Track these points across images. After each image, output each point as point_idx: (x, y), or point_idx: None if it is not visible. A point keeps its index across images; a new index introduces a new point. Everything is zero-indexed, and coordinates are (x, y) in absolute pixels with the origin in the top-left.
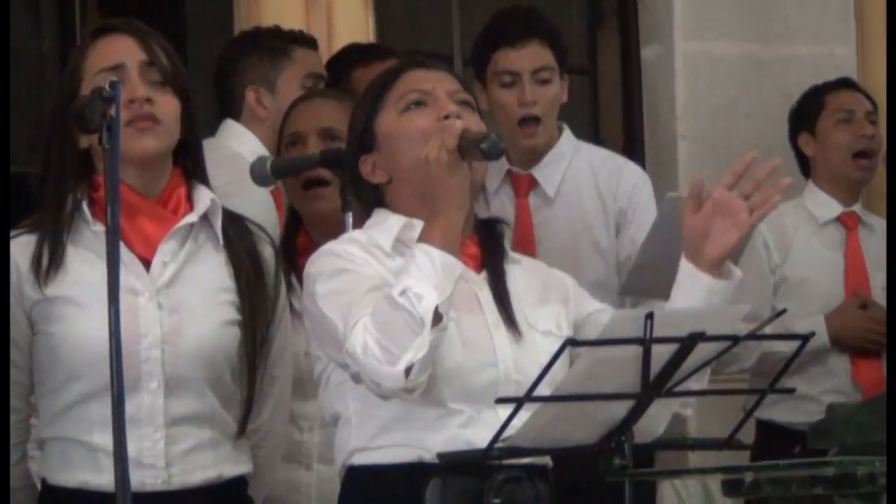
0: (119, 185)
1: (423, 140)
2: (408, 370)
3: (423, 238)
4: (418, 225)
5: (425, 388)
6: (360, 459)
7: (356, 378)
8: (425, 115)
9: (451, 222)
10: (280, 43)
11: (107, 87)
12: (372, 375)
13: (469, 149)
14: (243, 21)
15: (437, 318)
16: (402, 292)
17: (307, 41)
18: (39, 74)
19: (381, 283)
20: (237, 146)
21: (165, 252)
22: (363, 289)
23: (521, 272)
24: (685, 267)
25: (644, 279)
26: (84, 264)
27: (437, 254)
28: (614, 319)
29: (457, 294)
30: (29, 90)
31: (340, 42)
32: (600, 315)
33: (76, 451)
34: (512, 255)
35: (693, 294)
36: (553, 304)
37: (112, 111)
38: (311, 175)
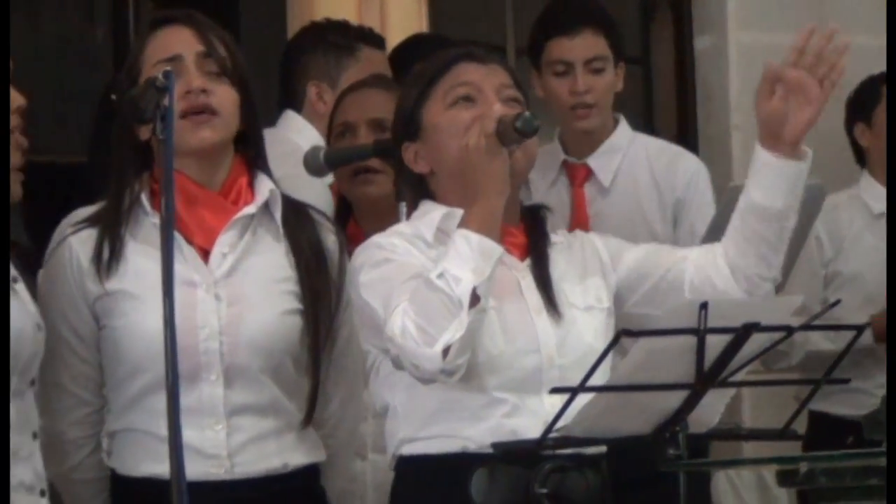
0: (173, 176)
1: (466, 134)
2: (445, 352)
3: (463, 223)
4: (459, 214)
5: (468, 376)
6: (408, 450)
7: (397, 363)
8: (471, 112)
9: (491, 207)
10: (346, 40)
11: (160, 76)
12: (410, 358)
13: (507, 132)
14: (297, 13)
15: (475, 299)
16: (440, 275)
17: (374, 40)
18: (92, 64)
19: (422, 271)
20: (298, 138)
21: (224, 243)
22: (404, 277)
23: (561, 253)
24: (762, 156)
25: None
26: (144, 257)
27: (475, 237)
28: (670, 310)
29: (499, 282)
30: (82, 80)
31: (394, 34)
32: (631, 254)
33: (143, 442)
34: (552, 236)
35: (775, 181)
36: (592, 277)
37: (166, 101)
38: (361, 164)
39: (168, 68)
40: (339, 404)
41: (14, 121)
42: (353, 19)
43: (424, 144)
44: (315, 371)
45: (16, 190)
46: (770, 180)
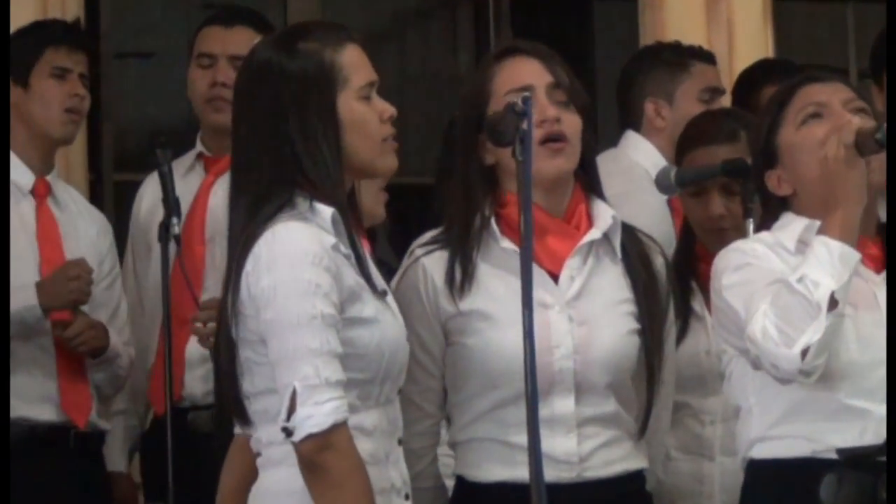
0: (531, 193)
1: (822, 149)
2: (804, 353)
3: (822, 230)
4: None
5: (821, 381)
6: (759, 451)
7: (755, 363)
8: (822, 127)
9: (850, 215)
10: (679, 57)
11: (519, 102)
12: (770, 358)
13: (866, 142)
14: (648, 35)
15: (833, 304)
16: (800, 279)
17: (705, 56)
18: (455, 92)
19: (782, 276)
20: (636, 155)
21: (572, 267)
22: (765, 281)
23: None
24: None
25: None
26: (495, 280)
27: (834, 244)
28: None
29: (855, 292)
30: (446, 109)
31: (740, 56)
32: None
33: (495, 450)
34: None
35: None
36: None
37: (525, 125)
38: (700, 186)
39: (527, 94)
40: (657, 416)
41: (386, 129)
42: (702, 43)
43: (784, 168)
44: (651, 386)
45: (379, 211)
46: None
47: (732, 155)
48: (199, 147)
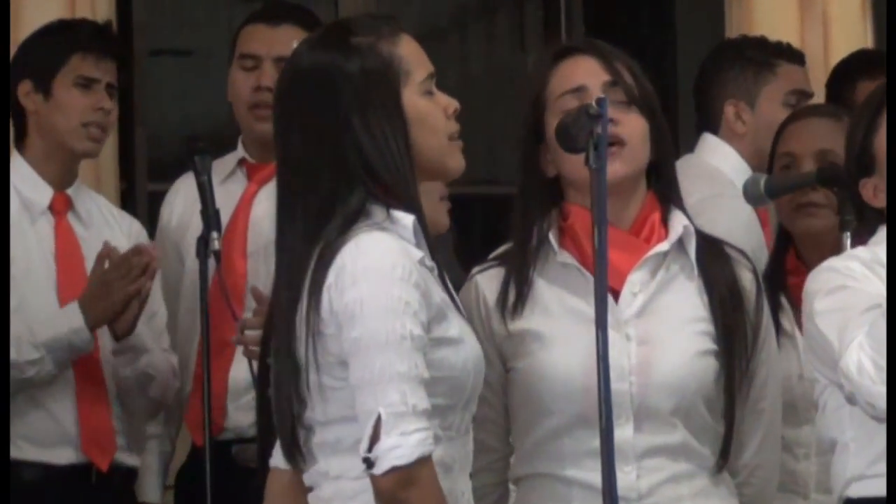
0: (606, 204)
1: None
2: None
3: None
4: None
5: None
6: (857, 490)
7: (850, 399)
8: None
9: None
10: (764, 56)
11: (593, 104)
12: (866, 396)
13: None
14: (734, 28)
15: None
16: None
17: (793, 55)
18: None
19: (880, 300)
20: (715, 161)
21: (635, 282)
22: (861, 307)
23: None
24: None
25: None
26: (550, 297)
27: None
28: None
29: None
30: (510, 112)
31: (836, 51)
32: None
33: (552, 487)
34: None
35: None
36: None
37: (599, 129)
38: (803, 199)
39: (602, 96)
40: (755, 451)
41: (452, 126)
42: (795, 39)
43: (881, 177)
44: (730, 414)
45: (443, 220)
46: None
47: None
48: (240, 152)
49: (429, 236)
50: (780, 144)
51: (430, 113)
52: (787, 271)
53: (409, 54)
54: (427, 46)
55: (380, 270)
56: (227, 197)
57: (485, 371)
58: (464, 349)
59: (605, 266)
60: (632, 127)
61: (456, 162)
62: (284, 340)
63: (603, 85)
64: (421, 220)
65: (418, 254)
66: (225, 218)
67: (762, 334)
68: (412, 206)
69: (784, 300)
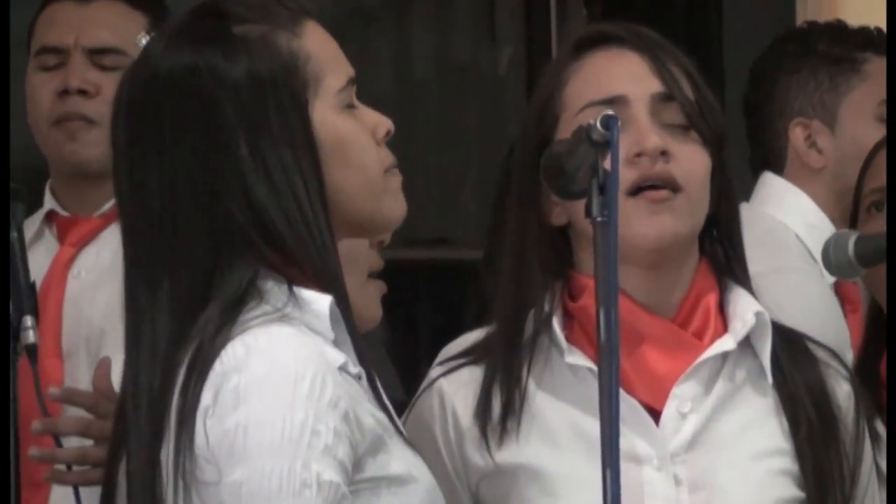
0: (617, 279)
1: None
2: None
3: None
4: None
5: None
6: None
7: None
8: None
9: None
10: (844, 49)
11: (597, 124)
12: None
13: None
14: (806, 15)
15: None
16: None
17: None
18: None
19: None
20: (780, 213)
21: (684, 397)
22: None
23: None
24: None
25: None
26: (555, 416)
27: None
28: None
29: None
30: (481, 122)
31: None
32: None
33: None
34: None
35: None
36: None
37: (607, 163)
38: None
39: (609, 112)
40: None
41: (385, 156)
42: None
43: None
44: None
45: (374, 309)
46: None
47: None
48: (48, 203)
49: (354, 327)
50: (870, 177)
51: (353, 136)
52: (881, 382)
53: (320, 51)
54: (349, 35)
55: (276, 385)
56: (32, 266)
57: None
58: (415, 492)
59: (616, 373)
60: (691, 164)
61: (392, 208)
62: (147, 489)
63: (652, 98)
64: (342, 302)
65: (338, 357)
66: None
67: (863, 477)
68: (328, 280)
69: (879, 424)
